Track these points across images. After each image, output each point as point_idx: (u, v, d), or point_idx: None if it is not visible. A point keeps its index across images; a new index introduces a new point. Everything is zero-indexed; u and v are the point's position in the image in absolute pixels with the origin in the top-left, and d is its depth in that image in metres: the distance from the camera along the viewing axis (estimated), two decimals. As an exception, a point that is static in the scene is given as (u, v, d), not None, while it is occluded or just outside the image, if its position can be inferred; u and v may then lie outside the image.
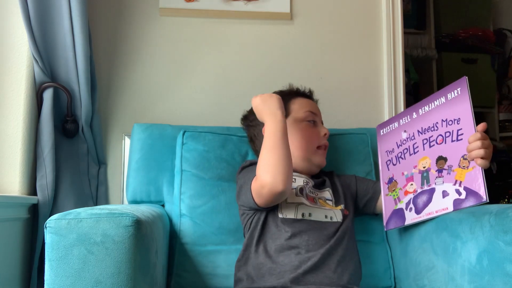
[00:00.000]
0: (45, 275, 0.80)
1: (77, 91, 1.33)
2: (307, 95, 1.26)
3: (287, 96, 1.20)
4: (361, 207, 1.20)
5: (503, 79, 3.10)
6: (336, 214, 1.10)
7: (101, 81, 1.45)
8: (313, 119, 1.18)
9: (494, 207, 0.89)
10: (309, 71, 1.56)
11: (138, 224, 0.83)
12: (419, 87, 2.86)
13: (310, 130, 1.17)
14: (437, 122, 1.03)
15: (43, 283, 0.80)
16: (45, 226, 0.81)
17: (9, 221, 1.17)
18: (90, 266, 0.79)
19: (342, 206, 1.12)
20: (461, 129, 0.96)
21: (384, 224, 1.12)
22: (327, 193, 1.15)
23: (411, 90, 2.73)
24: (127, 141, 1.45)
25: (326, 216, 1.08)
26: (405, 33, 1.66)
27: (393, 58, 1.59)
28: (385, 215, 1.12)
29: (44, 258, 0.81)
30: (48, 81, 1.29)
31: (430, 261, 1.01)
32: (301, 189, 1.10)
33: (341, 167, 1.28)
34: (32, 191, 1.29)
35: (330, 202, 1.12)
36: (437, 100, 1.03)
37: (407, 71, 2.53)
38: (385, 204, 1.13)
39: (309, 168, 1.17)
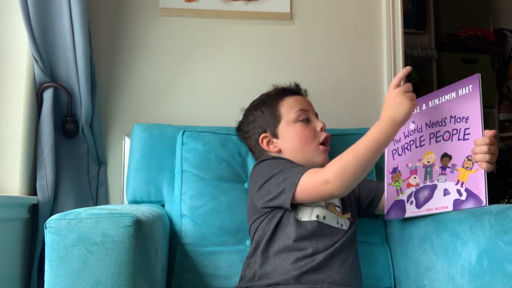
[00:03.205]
0: (45, 275, 0.80)
1: (77, 91, 1.33)
2: (294, 91, 1.23)
3: (274, 100, 1.19)
4: (363, 208, 1.20)
5: (503, 79, 3.10)
6: (345, 222, 1.09)
7: (101, 81, 1.45)
8: (305, 117, 1.16)
9: (494, 207, 0.89)
10: (309, 71, 1.55)
11: (138, 224, 0.83)
12: (419, 87, 2.86)
13: (305, 130, 1.15)
14: (445, 118, 1.02)
15: (43, 283, 0.80)
16: (45, 226, 0.81)
17: (9, 221, 1.17)
18: (90, 266, 0.79)
19: (349, 215, 1.12)
20: (468, 128, 0.96)
21: (385, 213, 1.12)
22: (335, 199, 1.13)
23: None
24: (127, 141, 1.45)
25: (337, 222, 1.08)
26: (405, 33, 1.65)
27: (393, 58, 1.59)
28: (386, 205, 1.12)
29: (44, 258, 0.81)
30: (48, 81, 1.29)
31: (430, 261, 1.01)
32: None
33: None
34: (32, 191, 1.29)
35: (338, 209, 1.11)
36: (448, 95, 1.02)
37: (407, 71, 2.52)
38: (387, 193, 1.13)
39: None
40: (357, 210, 1.18)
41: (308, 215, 1.05)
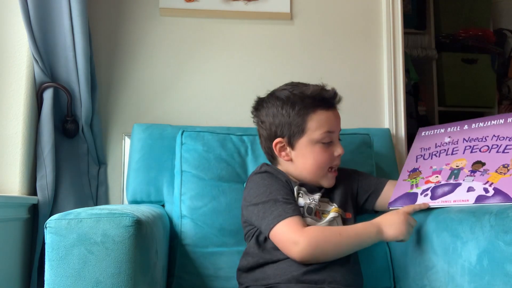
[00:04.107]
0: (45, 275, 0.80)
1: (77, 91, 1.33)
2: (329, 103, 1.11)
3: (305, 109, 1.07)
4: (362, 203, 1.19)
5: (503, 79, 3.10)
6: (337, 221, 1.09)
7: (101, 81, 1.45)
8: (329, 141, 1.09)
9: (494, 207, 0.88)
10: (309, 71, 1.55)
11: (138, 224, 0.82)
12: (419, 87, 2.86)
13: (323, 154, 1.09)
14: (487, 136, 1.04)
15: (43, 283, 0.80)
16: (45, 226, 0.81)
17: (9, 221, 1.17)
18: (90, 266, 0.79)
19: (340, 211, 1.11)
20: (510, 144, 0.98)
21: (389, 202, 1.10)
22: (327, 205, 1.12)
23: (411, 90, 2.73)
24: (127, 141, 1.45)
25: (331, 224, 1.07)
26: (405, 33, 1.66)
27: (393, 58, 1.59)
28: (394, 195, 1.10)
29: (44, 258, 0.81)
30: (48, 81, 1.29)
31: (430, 261, 1.01)
32: (309, 209, 1.07)
33: (342, 167, 1.27)
34: (32, 191, 1.29)
35: (331, 206, 1.11)
36: (495, 120, 1.06)
37: (407, 71, 2.53)
38: (398, 186, 1.11)
39: (315, 186, 1.13)
40: (355, 206, 1.17)
41: None
